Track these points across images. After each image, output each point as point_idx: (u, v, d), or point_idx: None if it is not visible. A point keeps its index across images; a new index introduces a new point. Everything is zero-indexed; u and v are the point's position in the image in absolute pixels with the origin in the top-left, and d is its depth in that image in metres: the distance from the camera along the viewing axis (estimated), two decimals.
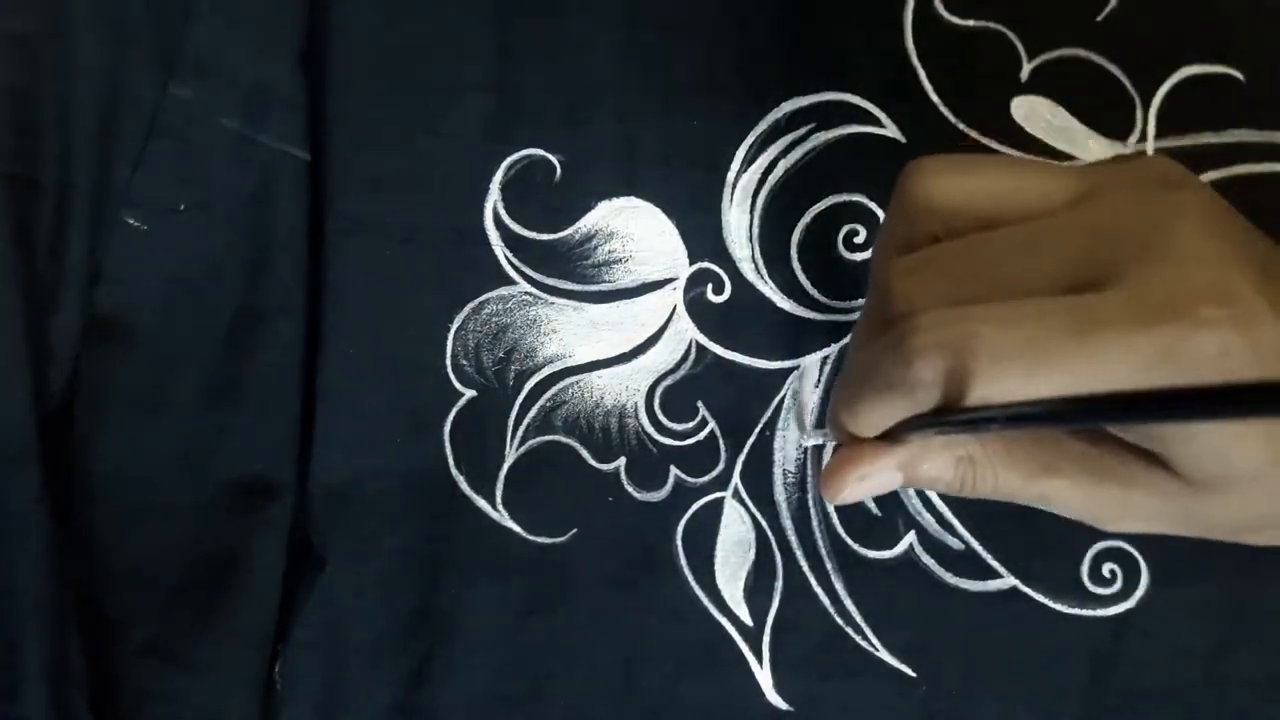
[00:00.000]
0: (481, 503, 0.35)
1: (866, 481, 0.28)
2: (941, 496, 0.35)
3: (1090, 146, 0.35)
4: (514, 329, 0.35)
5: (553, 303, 0.35)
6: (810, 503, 0.35)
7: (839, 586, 0.35)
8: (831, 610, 0.35)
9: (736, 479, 0.35)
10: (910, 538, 0.35)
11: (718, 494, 0.35)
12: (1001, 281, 0.25)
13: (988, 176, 0.27)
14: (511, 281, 0.35)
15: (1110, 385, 0.23)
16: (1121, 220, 0.25)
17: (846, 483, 0.28)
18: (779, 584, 0.35)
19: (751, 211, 0.35)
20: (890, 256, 0.28)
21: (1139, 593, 0.35)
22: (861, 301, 0.35)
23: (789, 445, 0.35)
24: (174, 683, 0.35)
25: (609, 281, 0.36)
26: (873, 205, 0.35)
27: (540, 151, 0.35)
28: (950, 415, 0.24)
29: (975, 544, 0.35)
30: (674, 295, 0.36)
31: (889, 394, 0.26)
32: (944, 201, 0.27)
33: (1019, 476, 0.28)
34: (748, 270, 0.35)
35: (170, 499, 0.35)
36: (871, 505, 0.35)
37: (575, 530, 0.35)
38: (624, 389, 0.36)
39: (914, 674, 0.35)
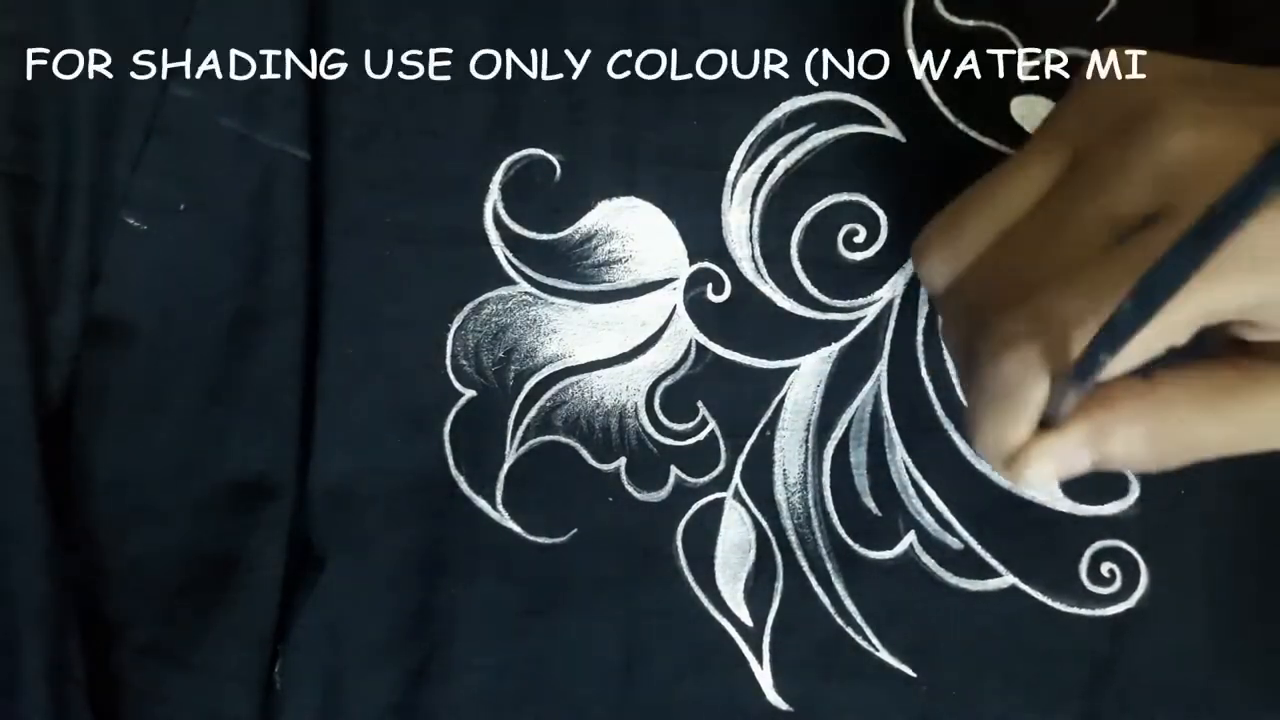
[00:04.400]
0: (481, 503, 0.35)
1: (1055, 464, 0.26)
2: (942, 496, 0.35)
3: None
4: (514, 329, 0.35)
5: (553, 303, 0.35)
6: (810, 503, 0.35)
7: (839, 587, 0.35)
8: (832, 611, 0.35)
9: (737, 479, 0.35)
10: (910, 538, 0.35)
11: (718, 494, 0.35)
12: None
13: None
14: (511, 281, 0.35)
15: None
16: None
17: (1033, 464, 0.26)
18: (779, 584, 0.35)
19: (751, 211, 0.35)
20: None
21: (1139, 593, 0.35)
22: (862, 301, 0.35)
23: (789, 445, 0.35)
24: (174, 683, 0.35)
25: (609, 281, 0.36)
26: (873, 205, 0.35)
27: (540, 151, 0.35)
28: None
29: (975, 544, 0.35)
30: (674, 295, 0.36)
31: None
32: None
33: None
34: (748, 270, 0.35)
35: (170, 499, 0.35)
36: (872, 505, 0.35)
37: (575, 530, 0.35)
38: (624, 389, 0.36)
39: (914, 674, 0.35)
